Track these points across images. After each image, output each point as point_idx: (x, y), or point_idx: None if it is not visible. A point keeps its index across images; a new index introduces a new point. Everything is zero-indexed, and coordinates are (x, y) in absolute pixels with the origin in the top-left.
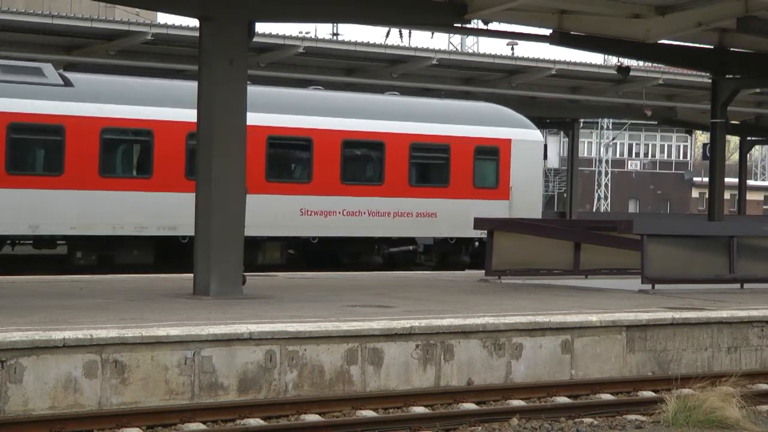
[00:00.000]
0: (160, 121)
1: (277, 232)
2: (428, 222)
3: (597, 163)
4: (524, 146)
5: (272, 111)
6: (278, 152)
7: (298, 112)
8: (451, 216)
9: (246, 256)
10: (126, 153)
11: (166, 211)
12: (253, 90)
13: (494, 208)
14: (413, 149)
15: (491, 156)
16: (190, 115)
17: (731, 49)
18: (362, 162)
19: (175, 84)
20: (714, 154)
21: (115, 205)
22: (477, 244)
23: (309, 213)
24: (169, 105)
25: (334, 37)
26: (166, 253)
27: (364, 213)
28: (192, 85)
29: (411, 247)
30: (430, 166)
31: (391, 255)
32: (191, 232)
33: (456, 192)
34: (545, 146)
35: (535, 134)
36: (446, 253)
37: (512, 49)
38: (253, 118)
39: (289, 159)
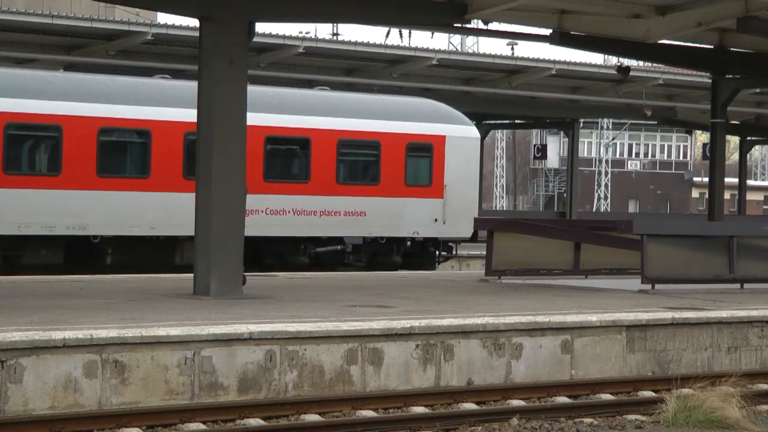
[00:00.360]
0: (70, 116)
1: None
2: (357, 221)
3: (597, 163)
4: (460, 143)
5: (189, 106)
6: None
7: None
8: (382, 215)
9: (162, 256)
10: (33, 149)
11: (76, 209)
12: (174, 84)
13: (427, 207)
14: (341, 146)
15: (424, 153)
16: (102, 110)
17: (731, 49)
18: (287, 159)
19: (88, 78)
20: (714, 154)
21: (21, 204)
22: (409, 243)
23: None
24: (79, 100)
25: (334, 37)
26: (75, 254)
27: (289, 212)
28: (101, 78)
29: (339, 247)
30: (359, 163)
31: (318, 255)
32: (103, 232)
33: (386, 190)
34: (482, 142)
35: (472, 130)
36: (377, 253)
37: (512, 49)
38: (172, 114)
39: None
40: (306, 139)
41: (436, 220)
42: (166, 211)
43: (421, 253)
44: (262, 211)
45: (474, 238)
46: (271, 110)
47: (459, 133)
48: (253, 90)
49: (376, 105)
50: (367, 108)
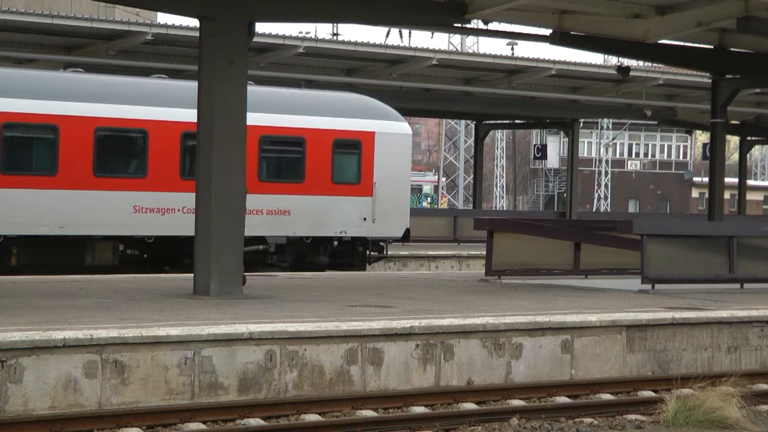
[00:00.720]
0: None
1: (107, 231)
2: (281, 220)
3: (597, 163)
4: (390, 139)
5: (99, 101)
6: (110, 145)
7: (130, 101)
8: (307, 213)
9: (71, 257)
10: None
11: None
12: (86, 78)
13: (355, 205)
14: (263, 142)
15: (352, 150)
16: (6, 104)
17: (731, 49)
18: None
19: None
20: (714, 154)
21: None
22: (336, 243)
23: (143, 210)
24: None
25: (334, 37)
26: None
27: None
28: (5, 70)
29: (261, 247)
30: (282, 160)
31: None
32: (8, 231)
33: (312, 188)
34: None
35: (403, 126)
36: (303, 254)
37: (512, 49)
38: (81, 109)
39: (123, 153)
40: None
41: (365, 219)
42: (76, 209)
43: (350, 253)
44: (179, 210)
45: (406, 238)
46: (189, 105)
47: (389, 129)
48: (176, 86)
49: (301, 100)
50: (291, 103)
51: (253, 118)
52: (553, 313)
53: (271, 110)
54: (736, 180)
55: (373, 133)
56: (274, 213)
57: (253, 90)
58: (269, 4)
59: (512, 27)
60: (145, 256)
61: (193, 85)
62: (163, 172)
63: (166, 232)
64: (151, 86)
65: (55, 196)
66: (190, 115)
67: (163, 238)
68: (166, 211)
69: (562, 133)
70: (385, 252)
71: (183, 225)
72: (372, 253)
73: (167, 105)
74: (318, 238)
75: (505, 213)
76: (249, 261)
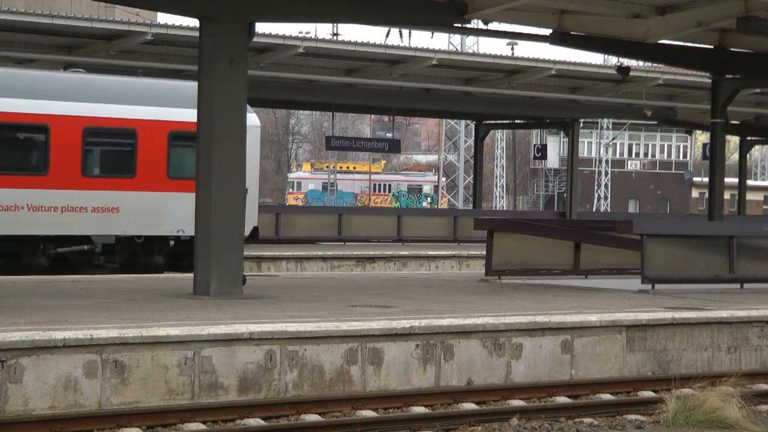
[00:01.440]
0: None
1: None
2: (108, 218)
3: (597, 163)
4: None
5: None
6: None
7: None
8: (138, 211)
9: None
10: None
11: None
12: None
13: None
14: (88, 134)
15: (192, 143)
16: None
17: (731, 49)
18: (20, 149)
19: None
20: (714, 154)
21: None
22: (173, 243)
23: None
24: None
25: (334, 37)
26: None
27: (23, 207)
28: None
29: (86, 247)
30: (110, 153)
31: (60, 256)
32: None
33: (144, 183)
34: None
35: (251, 118)
36: (134, 254)
37: (512, 49)
38: None
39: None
40: (44, 126)
41: None
42: None
43: (190, 254)
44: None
45: (254, 237)
46: (12, 95)
47: None
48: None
49: (132, 88)
50: (121, 92)
51: (75, 108)
52: (553, 313)
53: (97, 99)
54: (736, 180)
55: None
56: (101, 210)
57: (78, 78)
58: (269, 4)
59: (512, 27)
60: None
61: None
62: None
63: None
64: (50, 79)
65: None
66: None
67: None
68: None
69: (562, 133)
70: None
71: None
72: None
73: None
74: (152, 237)
75: (505, 213)
76: (73, 262)
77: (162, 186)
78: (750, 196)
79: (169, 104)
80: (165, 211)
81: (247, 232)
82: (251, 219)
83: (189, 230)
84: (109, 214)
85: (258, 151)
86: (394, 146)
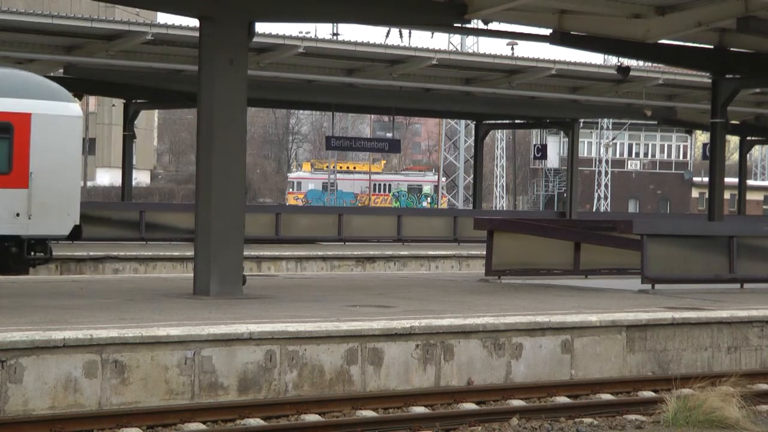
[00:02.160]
0: None
1: None
2: None
3: (597, 163)
4: (53, 122)
5: None
6: None
7: None
8: None
9: None
10: None
11: None
12: None
13: (5, 200)
14: None
15: (2, 135)
16: None
17: (731, 49)
18: None
19: None
20: (714, 154)
21: None
22: None
23: None
24: None
25: (334, 37)
26: None
27: None
28: None
29: None
30: None
31: None
32: None
33: None
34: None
35: (70, 107)
36: None
37: (512, 49)
38: None
39: None
40: None
41: (18, 214)
42: None
43: (1, 255)
44: None
45: (76, 236)
46: None
47: (51, 110)
48: None
49: None
50: None
51: None
52: (553, 313)
53: None
54: (736, 180)
55: (29, 114)
56: None
57: None
58: (269, 4)
59: (512, 27)
60: None
61: None
62: None
63: None
64: None
65: None
66: None
67: None
68: None
69: (562, 133)
70: (49, 253)
71: None
72: (37, 254)
73: None
74: None
75: (505, 213)
76: None
77: None
78: (750, 196)
79: None
80: None
81: (66, 230)
82: (72, 217)
83: (0, 230)
84: None
85: (79, 143)
86: (394, 146)
